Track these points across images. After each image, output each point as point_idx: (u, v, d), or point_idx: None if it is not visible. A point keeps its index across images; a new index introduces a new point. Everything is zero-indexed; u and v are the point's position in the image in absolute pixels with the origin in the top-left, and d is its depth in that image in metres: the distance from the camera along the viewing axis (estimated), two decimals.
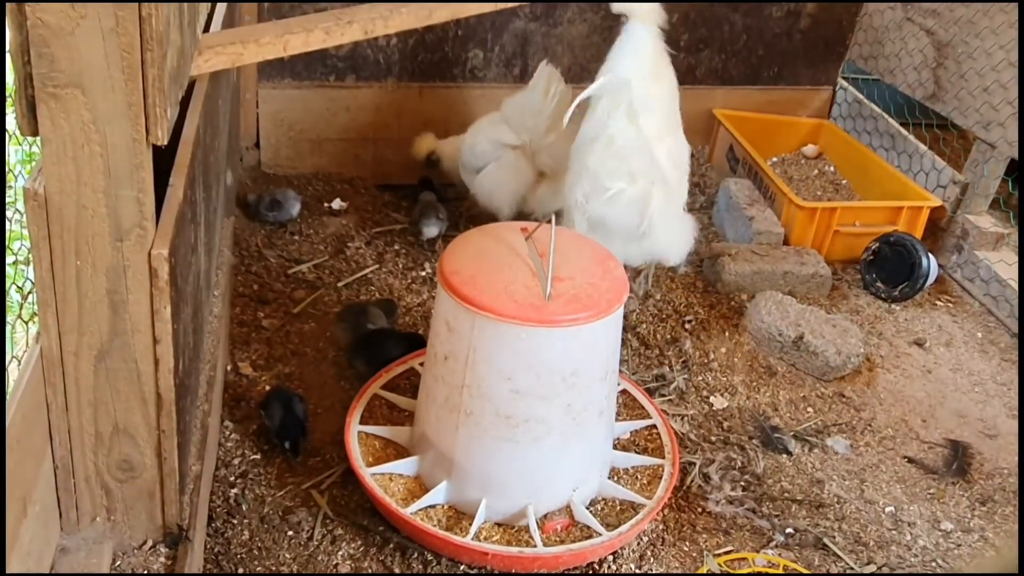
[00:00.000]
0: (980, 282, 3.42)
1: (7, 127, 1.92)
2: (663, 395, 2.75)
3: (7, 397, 1.47)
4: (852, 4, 3.94)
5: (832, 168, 3.98)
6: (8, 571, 1.38)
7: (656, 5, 2.87)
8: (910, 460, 2.63)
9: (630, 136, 2.64)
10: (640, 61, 2.85)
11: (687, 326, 3.08)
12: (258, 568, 2.08)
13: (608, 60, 2.92)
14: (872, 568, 2.27)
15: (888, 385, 2.93)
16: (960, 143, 3.94)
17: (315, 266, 3.14)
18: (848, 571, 2.25)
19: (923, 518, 2.44)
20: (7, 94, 1.66)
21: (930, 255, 3.33)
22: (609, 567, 2.18)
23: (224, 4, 2.62)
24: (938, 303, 3.41)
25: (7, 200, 2.31)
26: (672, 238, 2.92)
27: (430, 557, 2.14)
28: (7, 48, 1.31)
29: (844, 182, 3.90)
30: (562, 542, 2.15)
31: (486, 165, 3.24)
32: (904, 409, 2.84)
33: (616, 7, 2.90)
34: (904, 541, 2.36)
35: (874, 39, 3.94)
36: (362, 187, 3.62)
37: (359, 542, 2.17)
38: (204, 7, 1.98)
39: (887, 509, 2.45)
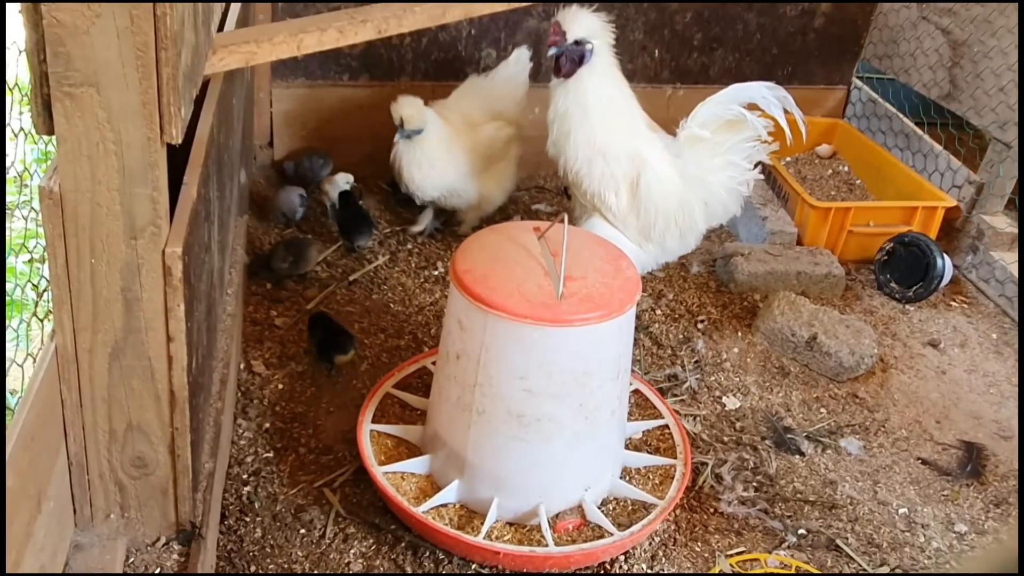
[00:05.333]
0: (995, 283, 3.40)
1: (22, 126, 1.93)
2: (675, 395, 2.74)
3: (23, 394, 1.48)
4: (867, 3, 3.92)
5: (846, 168, 3.96)
6: (23, 568, 1.39)
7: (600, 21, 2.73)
8: (924, 461, 2.62)
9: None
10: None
11: (700, 326, 3.07)
12: (270, 566, 2.09)
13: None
14: (885, 570, 2.26)
15: (902, 386, 2.92)
16: (976, 143, 3.91)
17: (327, 264, 3.15)
18: (861, 573, 2.24)
19: (937, 520, 2.43)
20: (24, 93, 1.67)
21: (945, 256, 3.31)
22: (621, 567, 2.18)
23: (238, 3, 2.63)
24: (953, 304, 3.39)
25: (23, 199, 2.33)
26: None
27: (442, 556, 2.15)
28: (24, 47, 1.32)
29: (858, 182, 3.89)
30: (574, 542, 2.15)
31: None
32: (918, 410, 2.82)
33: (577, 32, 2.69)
34: (918, 543, 2.35)
35: (889, 38, 3.92)
36: (375, 186, 3.62)
37: (371, 540, 2.18)
38: (218, 6, 1.99)
39: (900, 511, 2.44)
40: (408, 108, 3.06)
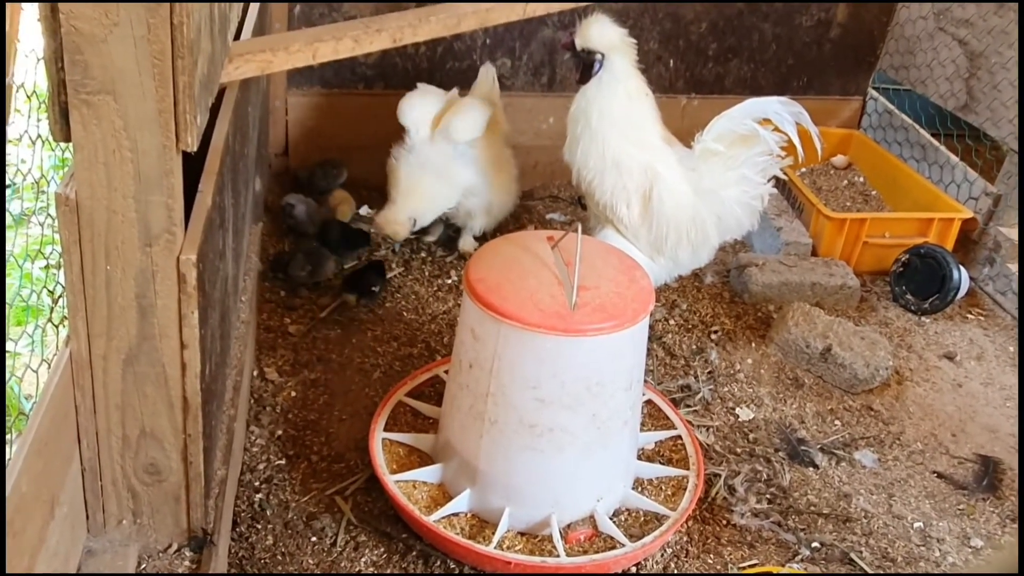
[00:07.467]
0: (1012, 295, 3.37)
1: (40, 133, 1.95)
2: (688, 406, 2.73)
3: (37, 400, 1.49)
4: (884, 13, 3.91)
5: (862, 179, 3.95)
6: (35, 571, 1.40)
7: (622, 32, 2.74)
8: (939, 475, 2.60)
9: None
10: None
11: (713, 336, 3.06)
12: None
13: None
14: None
15: (917, 399, 2.90)
16: (993, 154, 3.89)
17: (341, 272, 3.15)
18: None
19: (952, 534, 2.40)
20: (41, 100, 1.68)
21: (961, 267, 3.29)
22: None
23: (255, 12, 2.64)
24: (969, 316, 3.36)
25: (40, 205, 2.35)
26: None
27: (452, 565, 2.14)
28: (42, 55, 1.33)
29: (874, 193, 3.87)
30: (585, 552, 2.14)
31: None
32: (934, 423, 2.80)
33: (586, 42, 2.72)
34: (933, 557, 2.33)
35: (905, 49, 3.91)
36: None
37: (382, 549, 2.17)
38: (235, 15, 2.00)
39: (915, 524, 2.42)
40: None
